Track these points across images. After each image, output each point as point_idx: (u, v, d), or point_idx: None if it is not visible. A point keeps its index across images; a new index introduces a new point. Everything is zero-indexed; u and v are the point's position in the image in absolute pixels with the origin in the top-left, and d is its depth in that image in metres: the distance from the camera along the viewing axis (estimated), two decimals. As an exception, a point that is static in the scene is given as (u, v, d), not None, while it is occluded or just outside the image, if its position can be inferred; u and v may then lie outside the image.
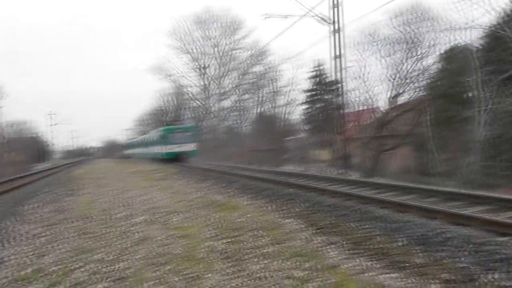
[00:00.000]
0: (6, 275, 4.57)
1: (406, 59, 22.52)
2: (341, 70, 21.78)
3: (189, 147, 32.95)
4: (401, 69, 22.57)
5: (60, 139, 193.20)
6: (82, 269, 4.50)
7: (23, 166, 41.51)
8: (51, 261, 4.93)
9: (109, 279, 4.17)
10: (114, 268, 4.52)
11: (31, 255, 5.34)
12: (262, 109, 48.09)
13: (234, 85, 51.89)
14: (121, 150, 79.46)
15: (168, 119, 53.76)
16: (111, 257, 4.92)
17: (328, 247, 4.91)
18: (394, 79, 22.79)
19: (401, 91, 23.34)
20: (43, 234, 6.57)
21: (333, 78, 22.22)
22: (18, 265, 4.87)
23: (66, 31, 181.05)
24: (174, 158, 32.36)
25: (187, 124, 41.33)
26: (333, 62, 21.37)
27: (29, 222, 7.81)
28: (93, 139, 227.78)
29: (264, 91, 47.44)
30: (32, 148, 55.29)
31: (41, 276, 4.43)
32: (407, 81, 22.81)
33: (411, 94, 22.76)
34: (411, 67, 22.59)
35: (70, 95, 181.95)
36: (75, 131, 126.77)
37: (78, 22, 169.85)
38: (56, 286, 4.08)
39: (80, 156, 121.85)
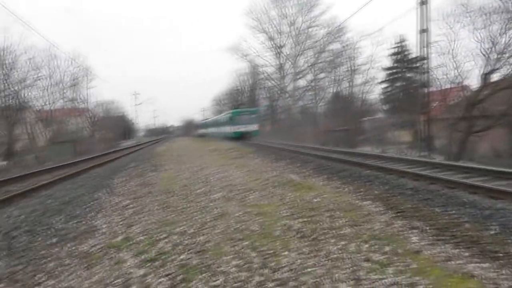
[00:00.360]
0: (100, 242, 4.88)
1: (505, 30, 21.01)
2: (427, 45, 20.57)
3: (252, 127, 37.89)
4: (498, 42, 20.81)
5: (143, 118, 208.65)
6: (166, 240, 4.70)
7: (111, 143, 44.54)
8: (138, 231, 5.20)
9: (190, 251, 4.31)
10: (195, 241, 4.65)
11: (121, 224, 5.67)
12: (338, 89, 47.29)
13: (309, 64, 51.25)
14: (197, 129, 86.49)
15: (242, 100, 60.48)
16: (192, 230, 5.08)
17: (409, 231, 4.69)
18: (489, 53, 21.28)
19: (497, 67, 21.79)
20: (131, 206, 6.95)
21: (418, 54, 20.95)
22: (110, 233, 5.20)
23: (144, 16, 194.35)
24: (239, 137, 36.96)
25: (251, 108, 45.98)
26: (418, 36, 20.54)
27: (118, 194, 8.30)
28: (173, 118, 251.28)
29: (341, 70, 46.59)
30: (119, 127, 60.46)
31: (130, 244, 4.67)
32: (504, 55, 21.47)
33: (509, 70, 21.34)
34: (510, 39, 21.33)
35: (152, 77, 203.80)
36: (156, 111, 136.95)
37: (156, 7, 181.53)
38: (143, 254, 4.27)
39: (161, 134, 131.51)
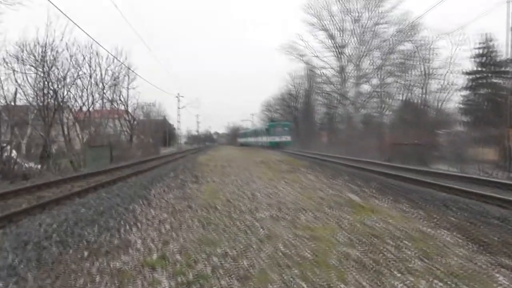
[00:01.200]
0: (133, 259, 4.96)
1: None
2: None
3: (286, 138, 49.89)
4: None
5: (185, 123, 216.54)
6: (206, 262, 4.72)
7: (150, 149, 46.09)
8: (175, 249, 5.25)
9: (232, 276, 4.31)
10: (238, 265, 4.64)
11: (157, 241, 5.71)
12: (409, 96, 45.47)
13: (375, 67, 49.67)
14: (238, 138, 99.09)
15: (296, 106, 70.85)
16: (235, 253, 5.08)
17: (495, 270, 4.45)
18: None
19: None
20: (168, 220, 7.02)
21: (508, 56, 19.16)
22: (145, 250, 5.25)
23: (191, 12, 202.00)
24: (274, 146, 48.38)
25: (284, 121, 60.47)
26: (509, 35, 18.28)
27: (155, 207, 8.38)
28: (218, 124, 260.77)
29: (412, 74, 44.66)
30: (159, 132, 62.30)
31: (166, 264, 4.72)
32: None
33: None
34: None
35: (197, 79, 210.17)
36: (200, 116, 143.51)
37: (202, 3, 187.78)
38: (179, 276, 4.32)
39: (204, 141, 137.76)
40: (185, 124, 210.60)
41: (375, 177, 14.67)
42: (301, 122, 67.07)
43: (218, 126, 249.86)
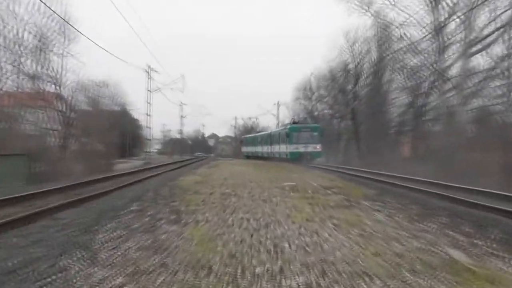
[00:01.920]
0: None
1: None
2: None
3: (313, 147, 53.31)
4: None
5: (165, 117, 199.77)
6: None
7: (100, 162, 40.93)
8: None
9: None
10: None
11: None
12: None
13: (499, 25, 41.30)
14: (240, 146, 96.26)
15: (356, 90, 62.92)
16: None
17: None
18: None
19: None
20: None
21: None
22: None
23: None
24: (297, 159, 50.76)
25: (312, 123, 60.94)
26: None
27: (103, 264, 7.89)
28: (219, 122, 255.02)
29: None
30: (115, 132, 55.22)
31: None
32: None
33: None
34: None
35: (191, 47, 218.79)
36: (190, 107, 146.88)
37: None
38: None
39: (192, 151, 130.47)
40: (164, 120, 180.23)
41: (496, 219, 13.27)
42: (363, 119, 60.31)
43: (220, 125, 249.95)
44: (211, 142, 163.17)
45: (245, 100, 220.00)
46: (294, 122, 61.74)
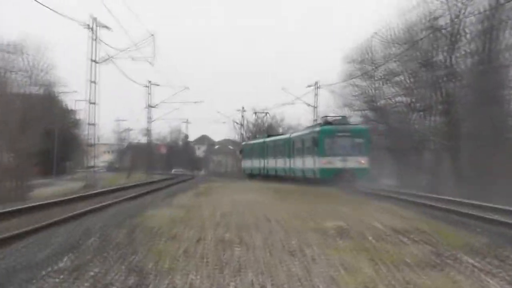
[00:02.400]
0: None
1: None
2: None
3: (358, 161, 38.94)
4: None
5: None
6: None
7: (10, 183, 29.16)
8: None
9: None
10: None
11: None
12: None
13: None
14: (242, 158, 70.70)
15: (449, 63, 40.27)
16: None
17: None
18: None
19: None
20: None
21: None
22: None
23: None
24: (331, 179, 36.66)
25: (354, 124, 44.97)
26: None
27: None
28: (215, 119, 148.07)
29: None
30: (37, 131, 38.01)
31: None
32: None
33: None
34: None
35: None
36: (170, 94, 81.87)
37: None
38: None
39: (168, 166, 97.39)
40: (121, 114, 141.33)
41: None
42: (465, 114, 41.05)
43: (215, 122, 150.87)
44: (200, 151, 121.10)
45: (260, 83, 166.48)
46: (327, 122, 44.32)
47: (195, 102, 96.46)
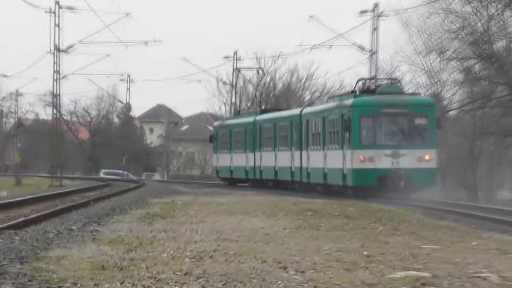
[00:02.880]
0: None
1: None
2: None
3: (419, 157, 27.28)
4: None
5: None
6: None
7: None
8: None
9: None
10: None
11: None
12: None
13: None
14: (215, 150, 49.90)
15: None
16: None
17: None
18: None
19: None
20: None
21: None
22: None
23: None
24: (375, 186, 26.49)
25: (411, 94, 32.26)
26: None
27: None
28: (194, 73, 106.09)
29: None
30: None
31: None
32: None
33: None
34: None
35: None
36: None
37: None
38: None
39: (94, 163, 65.08)
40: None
41: None
42: None
43: (186, 87, 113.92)
44: (154, 136, 73.37)
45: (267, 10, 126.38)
46: (366, 90, 30.77)
47: (145, 43, 55.01)
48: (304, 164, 33.95)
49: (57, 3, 42.84)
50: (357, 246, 13.15)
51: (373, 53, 42.74)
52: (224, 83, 61.47)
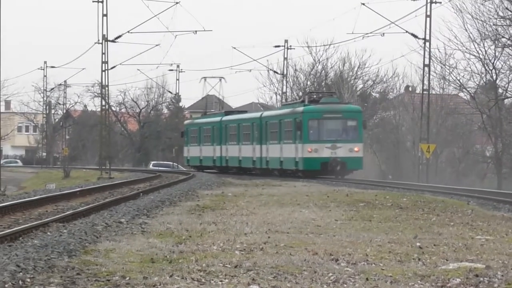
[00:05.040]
0: None
1: None
2: None
3: (349, 148, 36.67)
4: None
5: None
6: None
7: None
8: None
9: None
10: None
11: None
12: None
13: None
14: (186, 144, 56.66)
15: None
16: None
17: None
18: None
19: None
20: None
21: None
22: None
23: None
24: (318, 169, 36.16)
25: (345, 103, 42.45)
26: None
27: None
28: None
29: None
30: None
31: None
32: None
33: None
34: None
35: None
36: None
37: None
38: None
39: (146, 156, 66.13)
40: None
41: None
42: None
43: (235, 77, 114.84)
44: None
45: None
46: (312, 100, 40.91)
47: (195, 32, 57.05)
48: (264, 154, 43.46)
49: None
50: (409, 237, 13.01)
51: (426, 40, 43.29)
52: (275, 72, 63.90)
